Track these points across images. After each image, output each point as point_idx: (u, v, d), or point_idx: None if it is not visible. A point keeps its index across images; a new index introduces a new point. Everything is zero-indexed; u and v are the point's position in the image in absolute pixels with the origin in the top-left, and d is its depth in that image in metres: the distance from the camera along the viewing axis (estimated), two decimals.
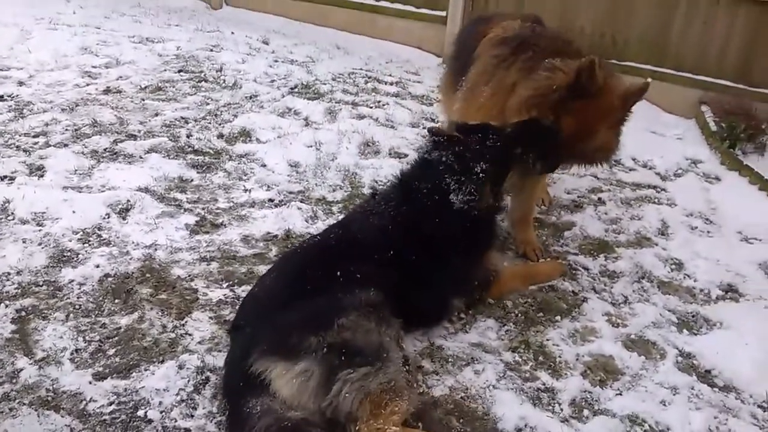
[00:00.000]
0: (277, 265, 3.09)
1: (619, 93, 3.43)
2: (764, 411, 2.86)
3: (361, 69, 7.20)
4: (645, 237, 4.22)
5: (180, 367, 2.78)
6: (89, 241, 3.63)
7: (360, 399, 2.34)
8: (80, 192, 4.08)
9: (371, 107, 5.98)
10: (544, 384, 2.89)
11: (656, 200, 4.78)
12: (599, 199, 4.67)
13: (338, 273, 2.76)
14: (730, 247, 4.18)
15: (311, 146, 4.99)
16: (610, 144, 3.56)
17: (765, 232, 4.36)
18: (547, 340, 3.17)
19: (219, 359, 2.80)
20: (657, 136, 5.97)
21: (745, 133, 5.61)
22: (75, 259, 3.46)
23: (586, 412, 2.76)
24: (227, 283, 3.39)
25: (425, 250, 3.04)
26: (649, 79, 5.99)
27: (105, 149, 4.68)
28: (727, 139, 5.58)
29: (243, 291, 3.29)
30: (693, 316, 3.47)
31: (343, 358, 2.40)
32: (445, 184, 3.15)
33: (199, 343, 2.96)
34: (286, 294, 2.69)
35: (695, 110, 6.37)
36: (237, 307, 3.02)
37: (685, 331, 3.34)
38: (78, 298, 3.18)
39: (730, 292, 3.73)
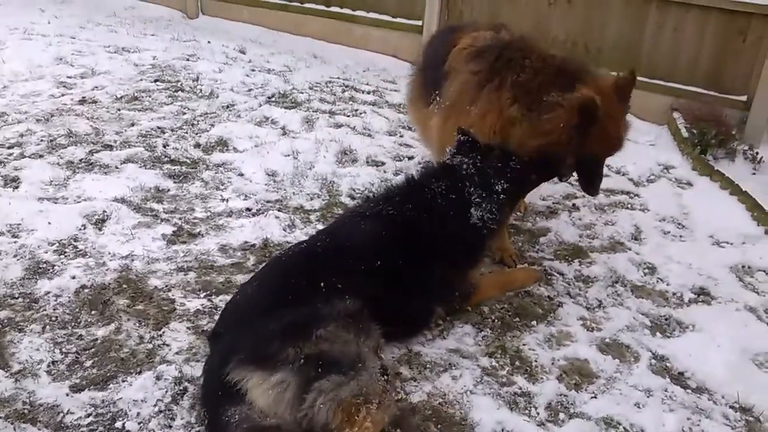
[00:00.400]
0: (260, 272, 3.10)
1: (613, 88, 3.48)
2: (736, 411, 2.92)
3: (338, 78, 7.23)
4: (618, 242, 4.29)
5: (158, 378, 2.78)
6: (65, 252, 3.61)
7: (333, 409, 2.35)
8: (56, 203, 4.05)
9: (348, 116, 6.01)
10: (520, 388, 2.92)
11: (629, 206, 4.85)
12: (574, 205, 4.74)
13: (320, 282, 2.77)
14: (701, 251, 4.25)
15: (288, 155, 5.01)
16: (621, 133, 3.61)
17: (736, 236, 4.44)
18: (524, 344, 3.20)
19: (197, 369, 2.80)
20: (630, 143, 5.99)
21: (715, 139, 5.70)
22: (51, 270, 3.44)
23: (562, 416, 2.80)
24: (205, 293, 3.39)
25: (420, 254, 3.08)
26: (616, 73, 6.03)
27: (81, 160, 4.66)
28: (698, 145, 5.67)
29: (221, 300, 3.29)
30: (666, 320, 3.53)
31: (319, 369, 2.41)
32: (467, 194, 3.22)
33: (177, 353, 2.95)
34: (267, 303, 2.70)
35: (667, 117, 6.47)
36: (217, 314, 3.02)
37: (658, 334, 3.40)
38: (54, 309, 3.16)
39: (702, 295, 3.79)
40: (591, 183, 3.69)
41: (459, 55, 3.88)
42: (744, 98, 6.29)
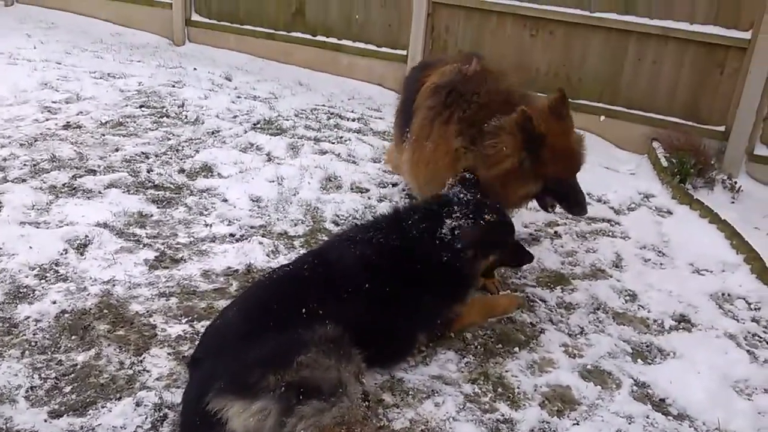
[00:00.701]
0: (241, 296, 3.09)
1: (547, 107, 3.59)
2: None
3: (323, 105, 7.29)
4: (600, 269, 4.33)
5: (137, 404, 2.75)
6: (46, 277, 3.58)
7: None
8: (38, 227, 4.02)
9: (333, 143, 6.05)
10: (503, 415, 2.92)
11: (610, 233, 4.90)
12: (555, 232, 4.78)
13: (302, 307, 2.77)
14: (682, 278, 4.30)
15: (273, 181, 5.02)
16: (573, 146, 3.68)
17: (715, 263, 4.50)
18: (506, 371, 3.21)
19: (177, 396, 2.77)
20: (611, 172, 6.15)
21: (694, 168, 5.81)
22: (31, 295, 3.41)
23: None
24: (186, 319, 3.37)
25: (407, 283, 3.09)
26: (602, 117, 6.22)
27: (64, 184, 4.64)
28: (677, 174, 5.77)
29: (202, 326, 3.26)
30: (647, 346, 3.55)
31: (300, 396, 2.40)
32: (455, 226, 3.22)
33: (157, 379, 2.93)
34: (247, 328, 2.68)
35: (647, 146, 6.59)
36: (198, 340, 3.00)
37: (639, 360, 3.42)
38: (34, 334, 3.13)
39: (683, 322, 3.83)
40: (572, 204, 3.76)
41: (424, 91, 4.04)
42: (722, 128, 6.44)
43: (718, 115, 6.48)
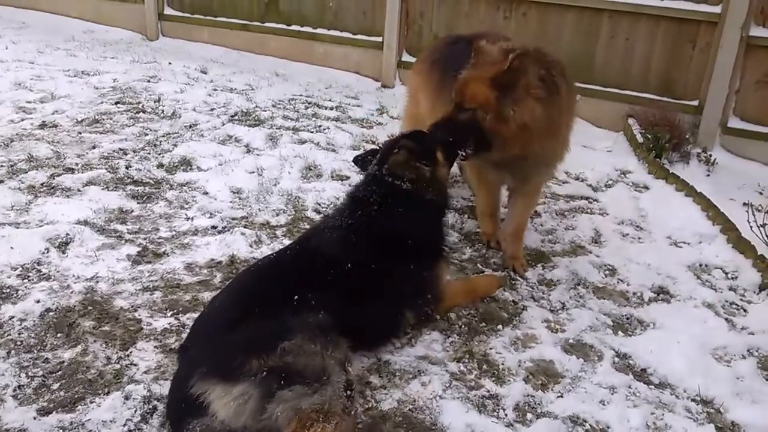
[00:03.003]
0: (228, 285, 3.12)
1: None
2: (697, 404, 3.01)
3: (300, 95, 7.28)
4: (579, 245, 4.39)
5: (126, 398, 2.76)
6: (29, 276, 3.58)
7: (290, 417, 2.36)
8: (18, 228, 4.00)
9: (312, 132, 6.05)
10: (488, 391, 2.98)
11: (589, 210, 4.97)
12: (535, 211, 4.83)
13: (287, 293, 2.80)
14: (660, 251, 4.38)
15: (253, 172, 5.03)
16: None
17: (692, 235, 4.58)
18: (490, 348, 3.26)
19: (165, 388, 2.78)
20: (587, 150, 6.20)
21: (670, 143, 5.87)
22: (15, 295, 3.40)
23: (529, 416, 2.85)
24: (171, 312, 3.38)
25: (384, 257, 3.13)
26: (578, 96, 6.23)
27: (42, 184, 4.61)
28: (653, 150, 5.83)
29: (188, 319, 3.28)
30: (627, 319, 3.63)
31: (282, 381, 2.42)
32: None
33: (145, 372, 2.94)
34: (233, 315, 2.71)
35: (623, 123, 6.65)
36: (185, 333, 3.02)
37: (620, 332, 3.49)
38: (19, 334, 3.12)
39: (662, 294, 3.91)
40: None
41: None
42: (696, 103, 6.51)
43: (692, 90, 6.55)
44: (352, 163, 3.70)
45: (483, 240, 4.32)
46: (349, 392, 2.59)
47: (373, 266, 3.10)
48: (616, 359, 3.27)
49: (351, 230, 3.17)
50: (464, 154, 3.59)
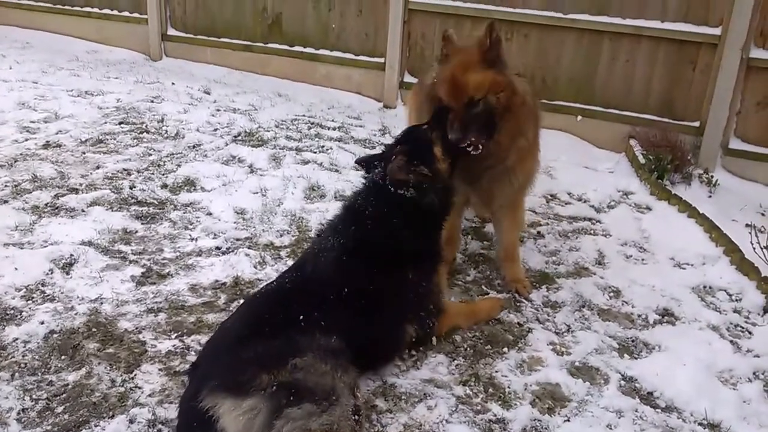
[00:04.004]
0: (238, 308, 3.12)
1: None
2: (704, 428, 2.99)
3: (303, 115, 7.31)
4: (583, 267, 4.39)
5: (131, 421, 2.75)
6: (33, 297, 3.57)
7: None
8: (22, 248, 4.01)
9: (315, 152, 6.07)
10: (495, 415, 2.96)
11: (592, 231, 4.97)
12: (538, 232, 4.84)
13: (296, 315, 2.81)
14: (663, 272, 4.38)
15: (257, 193, 5.04)
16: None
17: (695, 256, 4.58)
18: (496, 371, 3.25)
19: (170, 411, 2.78)
20: (590, 171, 6.23)
21: (671, 163, 5.89)
22: (19, 316, 3.40)
23: None
24: (176, 334, 3.37)
25: (380, 269, 3.12)
26: (579, 117, 6.25)
27: (46, 204, 4.62)
28: (655, 171, 5.85)
29: (192, 341, 3.28)
30: (633, 341, 3.61)
31: (291, 397, 2.41)
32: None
33: (150, 395, 2.93)
34: (243, 334, 2.72)
35: (624, 144, 6.68)
36: (189, 355, 3.02)
37: (626, 355, 3.47)
38: (23, 356, 3.11)
39: (667, 316, 3.90)
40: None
41: None
42: (697, 124, 6.54)
43: (693, 111, 6.58)
44: (355, 164, 3.64)
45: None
46: (356, 417, 2.58)
47: (372, 281, 3.08)
48: (623, 382, 3.26)
49: (348, 245, 3.17)
50: (479, 146, 3.39)
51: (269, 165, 5.64)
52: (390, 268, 3.15)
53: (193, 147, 5.97)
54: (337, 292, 3.00)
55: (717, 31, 6.29)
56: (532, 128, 3.75)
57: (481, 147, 3.40)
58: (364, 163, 3.54)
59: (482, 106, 3.40)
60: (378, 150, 6.19)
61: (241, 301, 3.50)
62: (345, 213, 3.39)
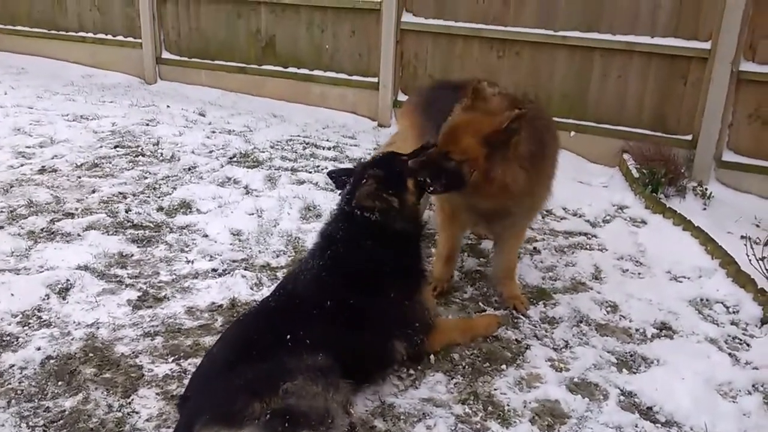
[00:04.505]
0: (222, 335, 3.09)
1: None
2: None
3: (298, 136, 7.34)
4: (580, 282, 4.39)
5: None
6: (29, 323, 3.56)
7: None
8: (18, 274, 4.00)
9: (310, 172, 6.09)
10: None
11: (588, 246, 4.98)
12: (534, 248, 4.85)
13: (283, 335, 2.79)
14: (660, 286, 4.38)
15: (253, 214, 5.04)
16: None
17: (692, 269, 4.59)
18: (495, 389, 3.24)
19: None
20: (584, 186, 6.25)
21: (665, 177, 5.92)
22: (15, 342, 3.38)
23: None
24: (173, 357, 3.35)
25: (358, 289, 3.11)
26: (573, 133, 6.27)
27: (42, 229, 4.62)
28: (649, 184, 5.88)
29: (189, 364, 3.26)
30: (631, 356, 3.61)
31: (286, 424, 2.40)
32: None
33: (147, 420, 2.91)
34: (231, 361, 2.69)
35: (618, 159, 6.71)
36: (186, 378, 2.99)
37: (624, 370, 3.46)
38: (20, 382, 3.09)
39: (664, 329, 3.89)
40: None
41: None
42: (690, 137, 6.59)
43: (685, 125, 6.63)
44: (327, 177, 3.66)
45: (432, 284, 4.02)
46: None
47: (352, 303, 3.07)
48: (622, 397, 3.25)
49: (324, 270, 3.17)
50: (434, 189, 3.45)
51: (265, 186, 5.65)
52: (367, 288, 3.14)
53: (189, 169, 5.98)
54: (318, 310, 2.99)
55: (707, 45, 6.35)
56: (545, 184, 3.78)
57: (434, 189, 3.45)
58: (334, 176, 3.54)
59: (455, 167, 3.39)
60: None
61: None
62: (319, 236, 3.41)
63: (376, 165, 3.40)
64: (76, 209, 4.98)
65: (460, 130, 3.43)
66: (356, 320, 3.04)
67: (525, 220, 4.08)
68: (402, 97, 7.85)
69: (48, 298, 3.77)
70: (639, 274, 4.58)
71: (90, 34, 9.85)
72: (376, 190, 3.20)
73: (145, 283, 4.04)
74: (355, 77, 8.23)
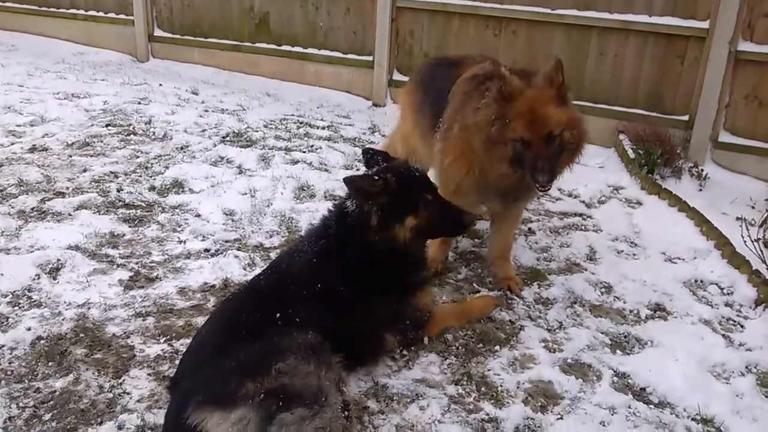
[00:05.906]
0: (211, 315, 3.07)
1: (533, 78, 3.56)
2: (698, 423, 2.97)
3: (292, 115, 7.27)
4: (574, 263, 4.38)
5: (119, 428, 2.71)
6: (19, 303, 3.52)
7: None
8: (8, 254, 3.96)
9: (304, 152, 6.04)
10: (487, 414, 2.94)
11: (583, 227, 4.96)
12: (529, 229, 4.83)
13: (273, 315, 2.77)
14: (655, 267, 4.37)
15: (246, 193, 5.00)
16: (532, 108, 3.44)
17: (686, 251, 4.58)
18: (488, 370, 3.23)
19: (159, 417, 2.74)
20: (580, 166, 6.08)
21: (661, 158, 5.90)
22: (5, 323, 3.35)
23: None
24: (165, 338, 3.33)
25: (359, 286, 3.07)
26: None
27: (32, 209, 4.57)
28: (645, 165, 5.85)
29: (181, 345, 3.24)
30: (625, 337, 3.60)
31: (280, 403, 2.38)
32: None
33: (138, 401, 2.89)
34: (221, 342, 2.66)
35: (614, 139, 6.68)
36: (178, 359, 2.97)
37: (618, 351, 3.46)
38: (10, 363, 3.07)
39: (658, 311, 3.89)
40: (530, 168, 3.45)
41: (461, 82, 3.94)
42: (686, 118, 6.55)
43: (682, 105, 6.59)
44: (361, 154, 3.58)
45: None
46: (346, 413, 2.56)
47: (342, 294, 3.03)
48: (615, 379, 3.24)
49: (317, 256, 3.10)
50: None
51: (258, 165, 5.60)
52: (356, 283, 3.08)
53: (181, 148, 5.92)
54: (309, 292, 2.95)
55: (705, 24, 6.29)
56: None
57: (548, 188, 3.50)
58: (368, 156, 3.46)
59: (558, 142, 3.43)
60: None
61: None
62: (318, 227, 3.34)
63: (397, 174, 3.19)
64: (67, 188, 4.93)
65: (538, 109, 3.38)
66: (346, 311, 3.01)
67: (533, 194, 4.00)
68: (397, 76, 7.79)
69: (38, 278, 3.73)
70: (634, 255, 4.57)
71: (81, 11, 9.73)
72: (372, 194, 3.08)
73: (136, 263, 4.00)
74: (350, 56, 8.15)
